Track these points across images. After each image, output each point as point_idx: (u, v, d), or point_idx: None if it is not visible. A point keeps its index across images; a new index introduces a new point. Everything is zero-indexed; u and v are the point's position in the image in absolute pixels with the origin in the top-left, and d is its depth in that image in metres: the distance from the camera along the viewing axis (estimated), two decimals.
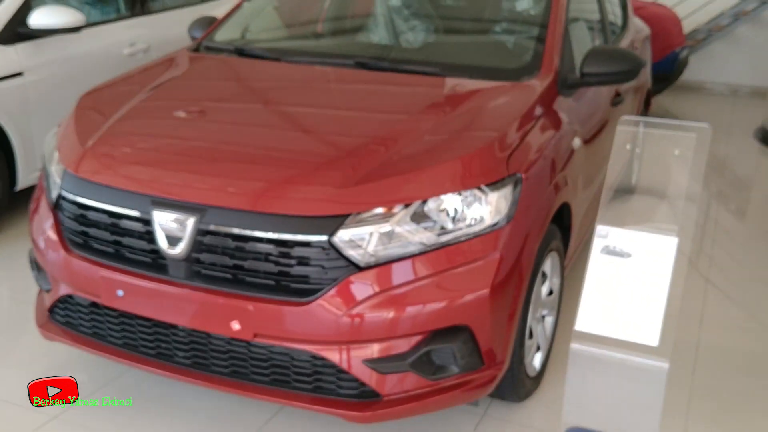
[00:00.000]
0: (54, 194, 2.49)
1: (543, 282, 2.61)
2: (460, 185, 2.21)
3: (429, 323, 2.14)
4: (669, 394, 2.15)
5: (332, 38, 3.63)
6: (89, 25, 4.23)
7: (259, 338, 2.17)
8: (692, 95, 8.01)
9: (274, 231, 2.12)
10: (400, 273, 2.12)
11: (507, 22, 3.24)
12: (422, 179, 2.21)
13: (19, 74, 3.92)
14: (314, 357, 2.16)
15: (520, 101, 2.63)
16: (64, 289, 2.46)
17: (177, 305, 2.23)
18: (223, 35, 3.36)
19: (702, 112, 7.30)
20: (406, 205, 2.15)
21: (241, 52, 3.19)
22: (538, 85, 2.75)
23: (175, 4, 5.14)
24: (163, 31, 4.81)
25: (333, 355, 2.14)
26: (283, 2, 3.82)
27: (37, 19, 3.93)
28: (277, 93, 2.91)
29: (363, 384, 2.16)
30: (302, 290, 2.12)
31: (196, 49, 3.29)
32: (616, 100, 3.62)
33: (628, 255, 2.17)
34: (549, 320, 2.80)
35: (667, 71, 7.04)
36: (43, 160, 2.72)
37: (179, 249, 2.18)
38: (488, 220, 2.22)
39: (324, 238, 2.09)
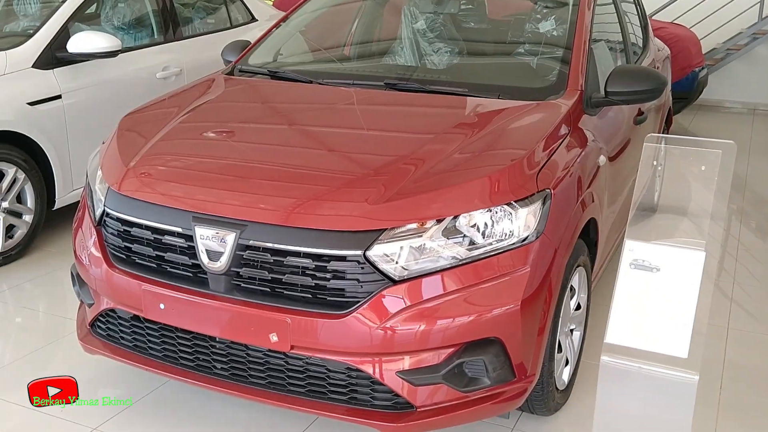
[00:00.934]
0: (98, 211, 2.59)
1: (571, 296, 2.66)
2: (490, 201, 2.27)
3: (461, 335, 2.20)
4: (697, 411, 2.19)
5: (361, 61, 3.74)
6: (124, 50, 4.38)
7: (296, 350, 2.23)
8: (711, 114, 8.03)
9: (311, 246, 2.20)
10: (433, 286, 2.19)
11: (532, 43, 3.32)
12: (454, 195, 2.28)
13: (57, 97, 4.06)
14: (349, 368, 2.22)
15: (547, 119, 2.69)
16: (106, 304, 2.55)
17: (216, 318, 2.31)
18: (256, 59, 3.48)
19: (721, 131, 7.32)
20: (439, 221, 2.22)
21: (273, 75, 3.30)
22: (563, 104, 2.82)
23: (206, 30, 5.30)
24: (195, 56, 4.96)
25: (367, 367, 2.20)
26: (312, 27, 3.94)
27: (76, 44, 4.08)
28: (310, 114, 3.01)
29: (397, 395, 2.22)
30: (338, 303, 2.19)
31: (231, 72, 3.40)
32: (639, 118, 3.67)
33: (657, 269, 2.22)
34: (576, 335, 2.84)
35: (687, 91, 7.09)
36: (87, 178, 2.82)
37: (220, 263, 2.26)
38: (518, 235, 2.28)
39: (359, 252, 2.16)
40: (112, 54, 4.21)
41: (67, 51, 4.10)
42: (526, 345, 2.29)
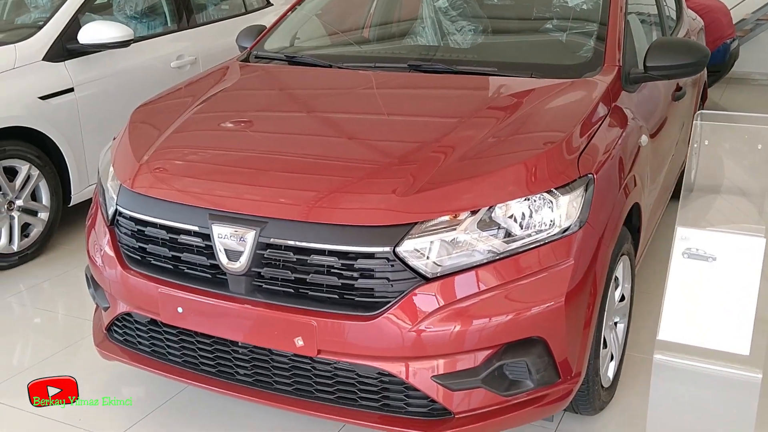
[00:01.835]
0: (110, 210, 2.45)
1: (615, 287, 2.48)
2: (528, 189, 2.10)
3: (501, 336, 2.04)
4: (760, 411, 2.01)
5: (381, 43, 3.56)
6: (137, 39, 4.24)
7: (324, 354, 2.08)
8: (739, 87, 7.74)
9: (336, 243, 2.04)
10: (469, 283, 2.02)
11: (561, 17, 3.11)
12: (488, 184, 2.10)
13: (69, 90, 3.94)
14: (381, 373, 2.07)
15: (585, 98, 2.51)
16: (122, 307, 2.42)
17: (238, 322, 2.17)
18: (272, 44, 3.31)
19: (751, 104, 7.05)
20: (473, 212, 2.05)
21: (291, 60, 3.13)
22: (601, 81, 2.63)
23: (220, 16, 5.14)
24: (210, 43, 4.81)
25: (400, 371, 2.05)
26: (328, 9, 3.76)
27: (88, 35, 3.95)
28: (330, 100, 2.84)
29: (433, 401, 2.06)
30: (367, 304, 2.03)
31: (246, 59, 3.24)
32: (678, 94, 3.46)
33: (713, 258, 2.04)
34: (620, 327, 2.66)
35: (719, 63, 6.81)
36: (99, 175, 2.69)
37: (239, 264, 2.12)
38: (559, 225, 2.10)
39: (388, 248, 2.00)
40: (124, 44, 4.06)
41: (78, 42, 3.97)
42: (571, 343, 2.12)
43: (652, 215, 3.02)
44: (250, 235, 2.10)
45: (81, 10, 4.08)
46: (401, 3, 3.84)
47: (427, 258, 2.02)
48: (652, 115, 3.01)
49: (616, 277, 2.43)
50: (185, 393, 2.71)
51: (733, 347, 1.99)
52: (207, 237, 2.17)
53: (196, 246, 2.21)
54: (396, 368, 2.04)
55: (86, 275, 2.66)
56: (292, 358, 2.16)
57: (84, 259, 2.61)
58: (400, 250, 2.01)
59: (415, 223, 2.02)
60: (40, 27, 3.97)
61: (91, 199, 4.09)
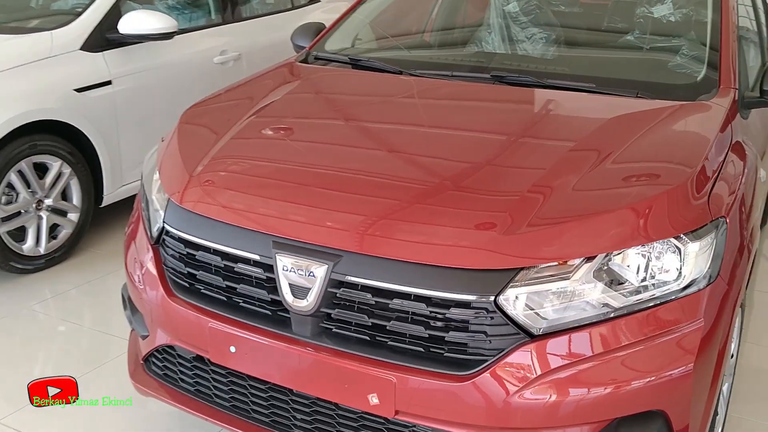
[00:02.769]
0: (155, 227, 2.14)
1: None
2: (653, 234, 1.76)
3: (615, 409, 1.71)
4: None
5: (456, 48, 3.21)
6: (179, 32, 3.94)
7: (402, 416, 1.77)
8: None
9: (425, 286, 1.72)
10: (581, 344, 1.70)
11: (668, 30, 2.77)
12: (607, 226, 1.77)
13: (107, 83, 3.66)
14: None
15: (707, 125, 2.17)
16: (163, 338, 2.12)
17: (300, 368, 1.85)
18: (333, 44, 2.99)
19: None
20: (588, 258, 1.72)
21: (356, 64, 2.81)
22: (719, 105, 2.29)
23: (266, 11, 4.84)
24: (255, 39, 4.51)
25: None
26: (391, 9, 3.44)
27: (129, 24, 3.66)
28: (408, 111, 2.51)
29: None
30: (459, 361, 1.71)
31: (305, 59, 2.93)
32: None
33: None
34: (725, 387, 2.32)
35: None
36: (141, 182, 2.38)
37: (307, 302, 1.80)
38: (688, 278, 1.77)
39: (489, 298, 1.68)
40: (167, 36, 3.77)
41: (118, 32, 3.67)
42: (693, 415, 1.79)
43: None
44: (321, 270, 1.78)
45: None
46: (470, 4, 3.51)
47: (534, 311, 1.69)
48: (763, 146, 2.67)
49: None
50: None
51: None
52: (269, 268, 1.86)
53: (256, 277, 1.90)
54: None
55: (123, 295, 2.36)
56: (363, 415, 1.84)
57: (116, 264, 2.32)
58: (502, 299, 1.68)
59: (522, 269, 1.70)
60: (79, 14, 3.68)
61: (125, 199, 3.85)
